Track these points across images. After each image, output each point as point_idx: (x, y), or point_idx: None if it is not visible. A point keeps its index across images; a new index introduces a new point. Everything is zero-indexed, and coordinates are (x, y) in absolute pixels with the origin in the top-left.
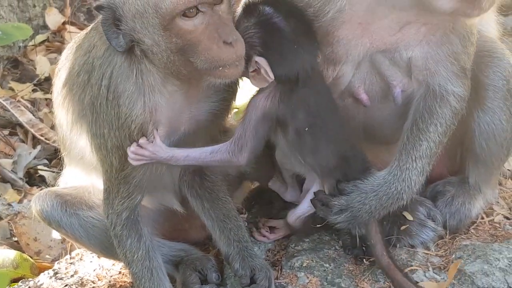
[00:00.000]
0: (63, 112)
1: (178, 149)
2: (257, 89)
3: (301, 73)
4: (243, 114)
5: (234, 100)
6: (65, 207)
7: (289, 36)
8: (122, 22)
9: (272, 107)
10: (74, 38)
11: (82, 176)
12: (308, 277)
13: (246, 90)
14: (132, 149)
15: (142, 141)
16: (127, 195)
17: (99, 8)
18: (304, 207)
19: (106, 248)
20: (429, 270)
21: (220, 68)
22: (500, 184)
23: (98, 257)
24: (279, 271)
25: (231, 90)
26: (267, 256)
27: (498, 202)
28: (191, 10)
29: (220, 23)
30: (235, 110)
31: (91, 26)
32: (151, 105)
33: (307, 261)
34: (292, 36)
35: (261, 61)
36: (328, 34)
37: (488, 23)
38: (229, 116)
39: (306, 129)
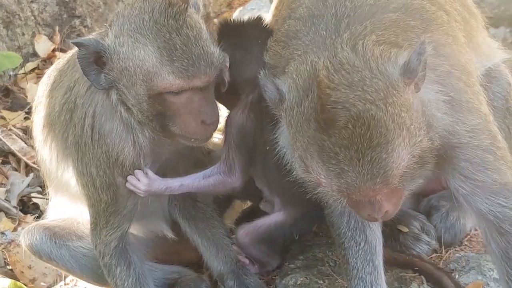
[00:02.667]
0: (45, 149)
1: (171, 179)
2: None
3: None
4: (223, 134)
5: None
6: (55, 239)
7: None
8: (107, 66)
9: (245, 121)
10: (48, 71)
11: (69, 206)
12: None
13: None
14: (128, 184)
15: (138, 172)
16: (117, 226)
17: (79, 45)
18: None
19: (98, 277)
20: (423, 283)
21: (192, 140)
22: None
23: None
24: None
25: None
26: (261, 274)
27: None
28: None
29: (203, 103)
30: None
31: (66, 60)
32: (140, 142)
33: (301, 279)
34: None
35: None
36: None
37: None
38: None
39: (268, 148)
